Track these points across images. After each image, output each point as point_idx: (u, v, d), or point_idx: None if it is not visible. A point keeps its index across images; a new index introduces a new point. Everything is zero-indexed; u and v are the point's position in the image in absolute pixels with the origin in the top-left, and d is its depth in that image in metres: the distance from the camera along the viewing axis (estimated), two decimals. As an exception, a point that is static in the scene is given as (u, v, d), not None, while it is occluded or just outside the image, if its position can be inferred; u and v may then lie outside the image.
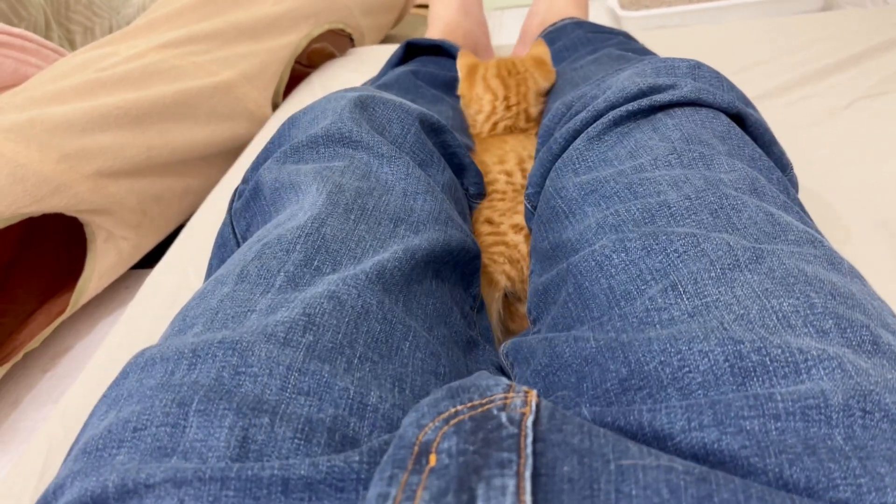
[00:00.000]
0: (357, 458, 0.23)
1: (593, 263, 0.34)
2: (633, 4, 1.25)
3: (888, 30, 0.85)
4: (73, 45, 1.13)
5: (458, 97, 0.70)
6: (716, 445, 0.23)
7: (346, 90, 0.51)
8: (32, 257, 0.81)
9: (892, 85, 0.74)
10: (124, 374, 0.29)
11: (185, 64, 0.83)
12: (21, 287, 0.78)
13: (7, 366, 0.66)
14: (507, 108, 0.62)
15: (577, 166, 0.42)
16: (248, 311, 0.30)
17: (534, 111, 0.63)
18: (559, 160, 0.44)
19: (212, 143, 0.83)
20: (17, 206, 0.61)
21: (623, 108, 0.42)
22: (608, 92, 0.44)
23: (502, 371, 0.38)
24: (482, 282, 0.46)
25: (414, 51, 0.80)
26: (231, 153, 0.87)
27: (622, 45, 0.69)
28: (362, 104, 0.47)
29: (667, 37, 0.96)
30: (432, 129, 0.50)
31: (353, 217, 0.37)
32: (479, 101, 0.63)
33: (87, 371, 0.56)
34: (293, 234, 0.35)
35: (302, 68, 1.06)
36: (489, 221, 0.51)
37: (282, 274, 0.33)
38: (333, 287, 0.31)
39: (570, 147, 0.44)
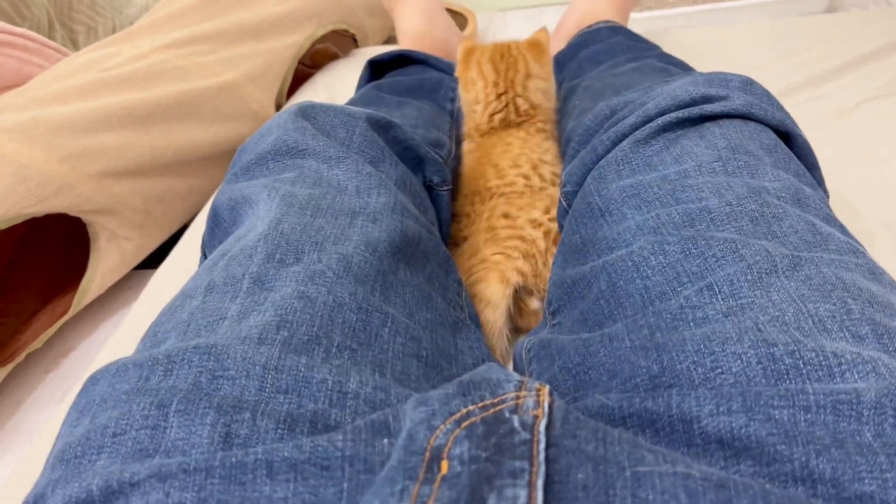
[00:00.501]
0: (341, 438, 0.23)
1: (630, 263, 0.34)
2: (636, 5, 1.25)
3: (892, 31, 0.85)
4: (76, 45, 1.13)
5: (423, 98, 0.70)
6: (743, 431, 0.23)
7: (286, 107, 0.51)
8: (34, 257, 0.81)
9: (898, 86, 0.74)
10: (94, 381, 0.28)
11: (189, 64, 0.83)
12: (23, 287, 0.78)
13: (10, 366, 0.65)
14: (498, 96, 0.62)
15: (622, 168, 0.42)
16: (220, 318, 0.30)
17: (522, 102, 0.62)
18: (602, 160, 0.44)
19: (215, 143, 0.83)
20: (21, 206, 0.61)
21: (673, 115, 0.42)
22: (658, 98, 0.44)
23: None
24: (492, 277, 0.46)
25: (382, 67, 0.81)
26: (234, 154, 0.87)
27: (662, 57, 0.69)
28: (304, 113, 0.47)
29: (670, 38, 0.96)
30: (380, 127, 0.50)
31: (308, 213, 0.38)
32: (474, 85, 0.63)
33: (90, 371, 0.55)
34: (254, 241, 0.35)
35: (305, 69, 1.06)
36: (506, 216, 0.51)
37: (247, 277, 0.33)
38: (302, 287, 0.31)
39: (616, 149, 0.44)
